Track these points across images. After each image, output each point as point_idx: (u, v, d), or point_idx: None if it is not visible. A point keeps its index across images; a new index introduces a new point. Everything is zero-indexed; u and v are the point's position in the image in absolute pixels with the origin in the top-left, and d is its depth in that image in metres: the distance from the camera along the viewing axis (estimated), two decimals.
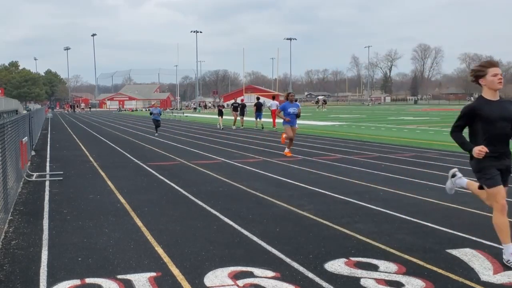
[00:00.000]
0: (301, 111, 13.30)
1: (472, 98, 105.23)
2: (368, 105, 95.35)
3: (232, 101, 27.97)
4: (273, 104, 27.04)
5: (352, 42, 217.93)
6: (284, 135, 13.45)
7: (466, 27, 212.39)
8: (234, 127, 25.42)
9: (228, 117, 29.09)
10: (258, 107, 25.93)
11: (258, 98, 26.65)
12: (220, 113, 26.70)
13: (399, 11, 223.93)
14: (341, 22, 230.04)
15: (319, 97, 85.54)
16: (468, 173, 9.37)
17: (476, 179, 4.50)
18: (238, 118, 26.37)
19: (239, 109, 26.78)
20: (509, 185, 4.57)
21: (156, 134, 21.55)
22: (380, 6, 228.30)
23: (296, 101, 13.44)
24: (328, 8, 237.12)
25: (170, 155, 13.42)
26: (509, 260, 4.22)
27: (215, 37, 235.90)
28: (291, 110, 12.82)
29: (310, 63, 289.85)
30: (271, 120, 26.87)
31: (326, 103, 71.21)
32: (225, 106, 27.50)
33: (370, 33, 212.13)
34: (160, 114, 22.35)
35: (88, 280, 3.98)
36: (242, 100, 27.34)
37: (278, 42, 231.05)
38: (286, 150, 13.03)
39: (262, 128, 24.96)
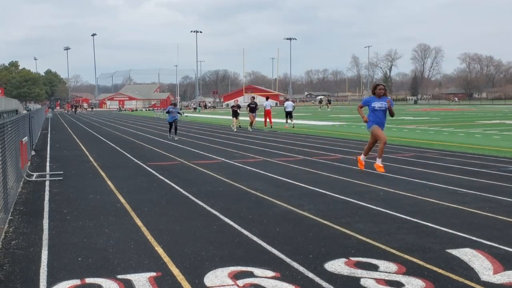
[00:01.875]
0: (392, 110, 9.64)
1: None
2: None
3: (249, 101, 27.28)
4: (267, 104, 27.56)
5: (352, 42, 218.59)
6: (361, 158, 10.07)
7: (466, 27, 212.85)
8: (250, 129, 25.17)
9: (244, 118, 29.01)
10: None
11: (253, 98, 27.11)
12: (235, 114, 25.76)
13: (399, 11, 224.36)
14: (341, 22, 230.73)
15: (321, 97, 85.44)
16: (468, 173, 9.38)
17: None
18: (258, 119, 26.21)
19: (239, 110, 26.77)
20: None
21: (176, 139, 18.84)
22: (380, 6, 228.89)
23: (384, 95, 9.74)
24: (328, 8, 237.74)
25: (170, 155, 13.42)
26: None
27: (215, 37, 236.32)
28: (377, 104, 9.56)
29: (310, 63, 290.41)
30: (262, 119, 27.52)
31: (330, 103, 70.72)
32: (241, 106, 26.69)
33: (370, 33, 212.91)
34: (180, 114, 19.34)
35: (88, 280, 3.98)
36: (236, 101, 27.39)
37: (278, 42, 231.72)
38: (378, 163, 9.76)
39: (251, 128, 25.15)
